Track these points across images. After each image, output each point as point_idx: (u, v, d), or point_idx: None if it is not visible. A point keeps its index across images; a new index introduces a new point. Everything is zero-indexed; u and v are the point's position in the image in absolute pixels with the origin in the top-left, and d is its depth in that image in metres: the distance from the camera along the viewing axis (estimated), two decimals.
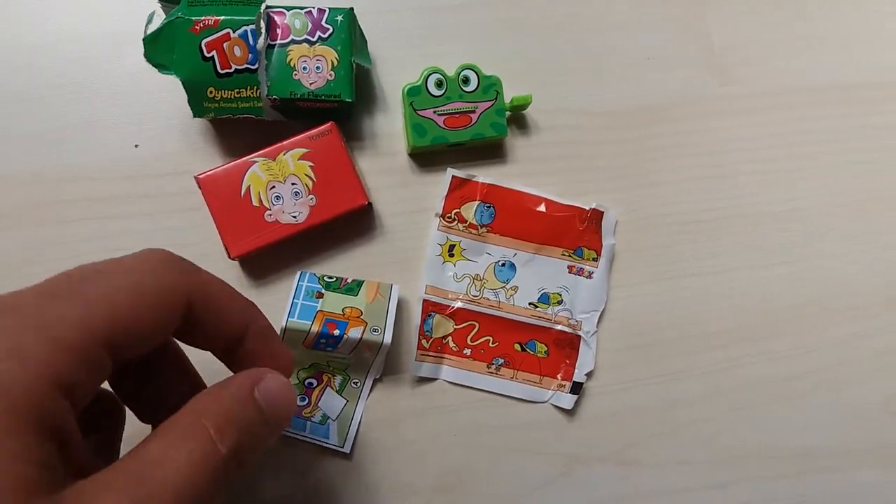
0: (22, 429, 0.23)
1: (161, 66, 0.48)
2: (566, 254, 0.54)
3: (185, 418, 0.29)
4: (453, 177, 0.54)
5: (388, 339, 0.48)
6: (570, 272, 0.54)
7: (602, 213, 0.54)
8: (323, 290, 0.49)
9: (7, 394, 0.23)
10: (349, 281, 0.50)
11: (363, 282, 0.50)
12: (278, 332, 0.47)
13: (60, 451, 0.25)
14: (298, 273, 0.50)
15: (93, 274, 0.29)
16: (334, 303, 0.49)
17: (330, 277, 0.51)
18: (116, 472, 0.26)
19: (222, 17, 0.47)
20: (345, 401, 0.52)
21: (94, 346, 0.27)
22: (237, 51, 0.47)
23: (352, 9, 0.50)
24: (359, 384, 0.52)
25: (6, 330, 0.25)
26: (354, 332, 0.48)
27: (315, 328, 0.47)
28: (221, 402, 0.30)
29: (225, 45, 0.47)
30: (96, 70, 0.53)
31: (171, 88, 0.53)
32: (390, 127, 0.55)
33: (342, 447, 0.51)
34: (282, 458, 0.51)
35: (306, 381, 0.51)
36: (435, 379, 0.53)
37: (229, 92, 0.48)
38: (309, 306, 0.48)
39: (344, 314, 0.48)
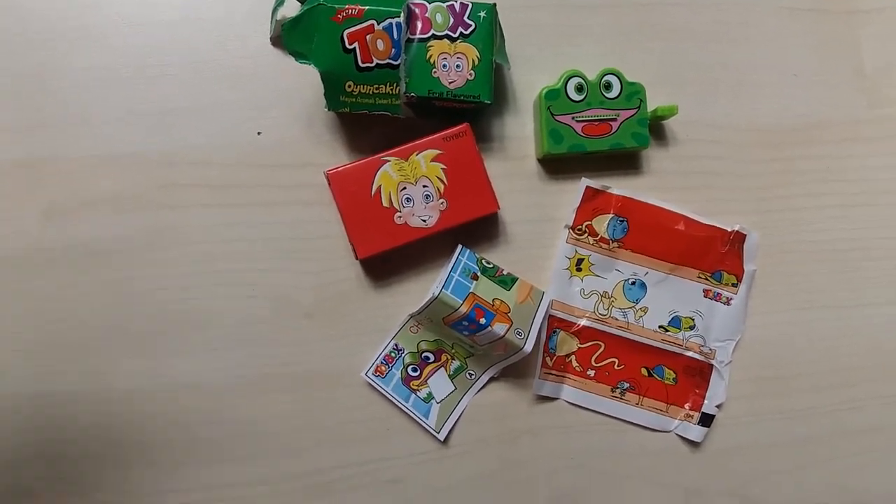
0: None
1: (299, 55, 0.46)
2: (703, 276, 0.51)
3: None
4: (587, 187, 0.51)
5: (528, 347, 0.46)
6: (705, 296, 0.51)
7: (745, 235, 0.51)
8: (479, 273, 0.48)
9: None
10: (504, 273, 0.49)
11: (517, 279, 0.48)
12: (427, 300, 0.46)
13: None
14: (459, 247, 0.49)
15: None
16: (487, 290, 0.47)
17: (488, 263, 0.49)
18: None
19: (367, 7, 0.44)
20: (453, 387, 0.50)
21: None
22: (380, 44, 0.45)
23: (495, 4, 0.48)
24: (473, 376, 0.50)
25: None
26: (499, 328, 0.45)
27: (464, 309, 0.45)
28: None
29: (368, 37, 0.45)
30: (220, 51, 0.51)
31: (295, 74, 0.51)
32: (520, 129, 0.53)
33: (437, 433, 0.49)
34: (382, 418, 0.50)
35: (423, 354, 0.50)
36: (555, 398, 0.50)
37: (368, 87, 0.46)
38: (463, 284, 0.46)
39: (493, 305, 0.46)
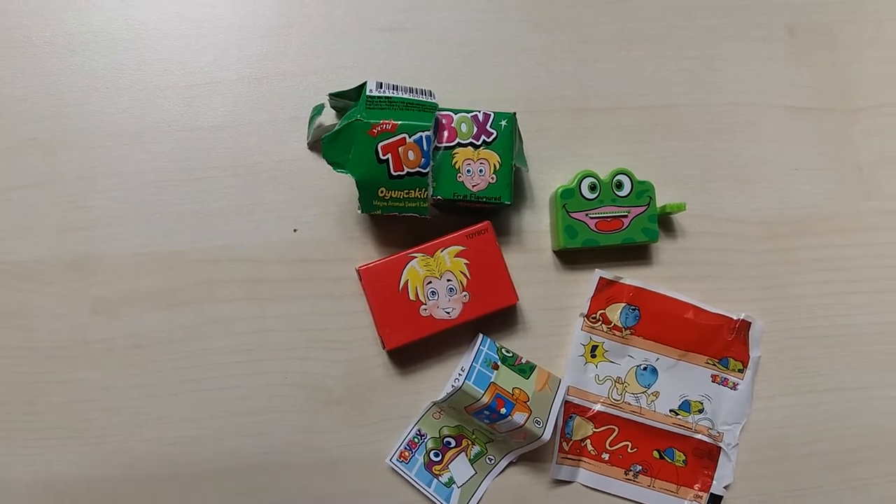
0: None
1: (336, 165, 0.49)
2: (711, 362, 0.54)
3: None
4: (600, 278, 0.54)
5: (547, 435, 0.49)
6: (713, 381, 0.54)
7: (750, 323, 0.54)
8: (499, 362, 0.51)
9: None
10: (523, 361, 0.52)
11: (535, 367, 0.52)
12: (451, 390, 0.49)
13: None
14: (480, 336, 0.52)
15: None
16: (507, 379, 0.50)
17: (507, 351, 0.52)
18: None
19: (399, 122, 0.48)
20: (474, 472, 0.52)
21: None
22: (411, 155, 0.49)
23: (514, 114, 0.51)
24: (493, 461, 0.52)
25: None
26: (519, 417, 0.48)
27: (485, 399, 0.48)
28: None
29: (400, 149, 0.49)
30: (259, 155, 0.55)
31: (329, 177, 0.55)
32: (537, 224, 0.56)
33: None
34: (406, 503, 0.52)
35: (445, 440, 0.52)
36: (572, 482, 0.53)
37: (399, 192, 0.50)
38: (484, 374, 0.49)
39: (513, 394, 0.49)
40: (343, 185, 0.54)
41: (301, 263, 0.54)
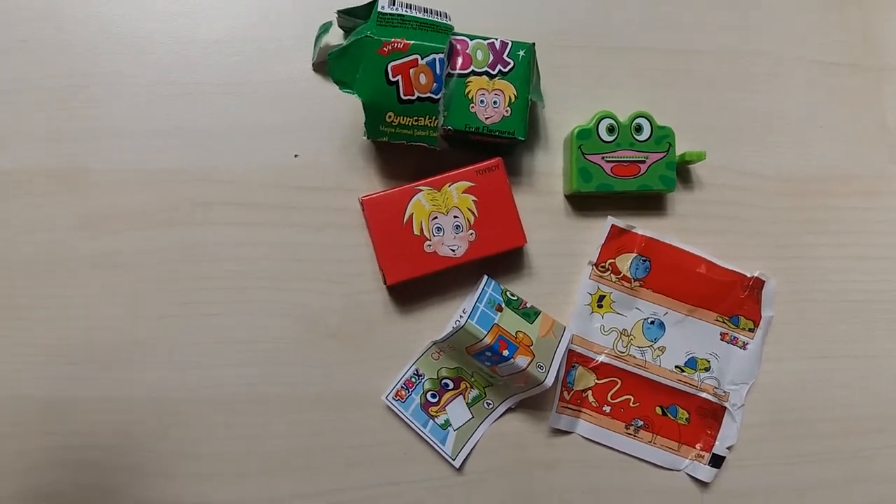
0: None
1: (342, 84, 0.46)
2: (721, 320, 0.52)
3: None
4: (612, 226, 0.52)
5: (549, 381, 0.47)
6: (722, 339, 0.52)
7: (764, 282, 0.52)
8: (503, 305, 0.48)
9: None
10: (528, 306, 0.50)
11: (540, 312, 0.49)
12: (452, 329, 0.47)
13: None
14: (485, 278, 0.50)
15: None
16: (511, 322, 0.48)
17: (512, 295, 0.50)
18: None
19: (412, 42, 0.46)
20: (470, 416, 0.51)
21: None
22: (422, 78, 0.46)
23: (534, 44, 0.49)
24: (491, 406, 0.51)
25: None
26: (521, 361, 0.46)
27: (488, 340, 0.46)
28: None
29: (411, 71, 0.46)
30: (262, 73, 0.52)
31: (335, 100, 0.52)
32: (550, 166, 0.54)
33: (453, 460, 0.50)
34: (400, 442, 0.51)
35: (443, 381, 0.51)
36: (571, 432, 0.51)
37: (408, 119, 0.47)
38: (488, 315, 0.47)
39: (516, 338, 0.47)
40: (349, 111, 0.52)
41: (301, 190, 0.51)
